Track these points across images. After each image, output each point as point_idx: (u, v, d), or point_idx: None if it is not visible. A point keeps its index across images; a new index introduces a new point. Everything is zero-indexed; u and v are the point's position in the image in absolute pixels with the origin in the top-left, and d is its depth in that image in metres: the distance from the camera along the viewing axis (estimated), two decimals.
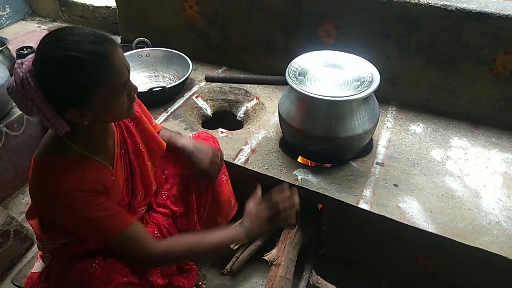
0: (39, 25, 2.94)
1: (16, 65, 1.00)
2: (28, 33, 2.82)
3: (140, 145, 1.36)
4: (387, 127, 1.90)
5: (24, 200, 2.13)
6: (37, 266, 1.51)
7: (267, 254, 1.64)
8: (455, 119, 1.92)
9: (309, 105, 1.60)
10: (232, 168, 1.69)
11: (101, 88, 1.01)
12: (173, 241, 1.29)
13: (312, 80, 1.63)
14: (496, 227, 1.44)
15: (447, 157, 1.74)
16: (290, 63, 1.68)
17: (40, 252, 1.41)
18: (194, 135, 1.64)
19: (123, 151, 1.31)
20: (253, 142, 1.83)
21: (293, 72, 1.64)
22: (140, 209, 1.46)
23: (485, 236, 1.40)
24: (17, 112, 2.08)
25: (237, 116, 2.12)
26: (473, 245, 1.37)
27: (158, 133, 1.49)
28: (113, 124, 1.26)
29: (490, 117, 1.88)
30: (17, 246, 1.81)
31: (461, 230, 1.43)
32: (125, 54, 2.16)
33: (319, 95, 1.52)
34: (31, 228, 1.88)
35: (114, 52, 1.01)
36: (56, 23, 2.96)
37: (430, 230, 1.43)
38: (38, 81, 0.98)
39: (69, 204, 1.09)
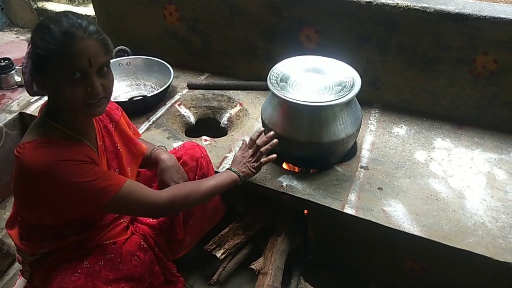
0: (17, 35, 2.88)
1: None
2: (6, 44, 2.76)
3: (119, 145, 1.37)
4: (370, 130, 1.90)
5: (5, 216, 2.07)
6: (19, 284, 1.48)
7: (254, 263, 1.63)
8: (438, 120, 1.93)
9: (291, 111, 1.59)
10: None
11: (52, 61, 1.04)
12: (175, 189, 1.33)
13: (294, 85, 1.62)
14: (481, 227, 1.44)
15: (431, 158, 1.74)
16: (272, 69, 1.66)
17: (21, 267, 1.37)
18: (180, 146, 1.62)
19: (104, 147, 1.31)
20: (237, 149, 1.81)
21: (275, 78, 1.63)
22: (122, 221, 1.43)
23: (471, 238, 1.40)
24: None
25: (221, 123, 2.10)
26: (458, 247, 1.37)
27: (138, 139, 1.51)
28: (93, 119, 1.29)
29: (472, 117, 1.89)
30: None
31: (446, 232, 1.43)
32: None
33: (301, 101, 1.51)
34: (13, 243, 1.86)
35: (82, 38, 1.05)
36: None
37: (415, 233, 1.42)
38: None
39: (58, 175, 1.07)
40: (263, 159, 1.49)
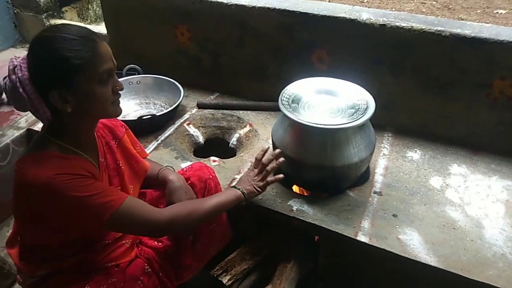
0: None
1: (12, 57, 1.07)
2: None
3: (121, 163, 1.34)
4: (383, 154, 1.85)
5: (9, 233, 2.03)
6: None
7: None
8: (453, 145, 1.88)
9: (303, 133, 1.55)
10: None
11: (83, 68, 1.03)
12: (177, 207, 1.29)
13: (305, 107, 1.59)
14: (502, 259, 1.37)
15: (447, 185, 1.68)
16: (283, 90, 1.64)
17: None
18: (188, 167, 1.58)
19: (105, 163, 1.28)
20: (246, 170, 1.76)
21: (286, 99, 1.60)
22: (124, 242, 1.39)
23: (490, 270, 1.34)
24: (3, 141, 2.02)
25: (230, 144, 2.06)
26: (478, 280, 1.31)
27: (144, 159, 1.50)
28: (95, 134, 1.26)
29: (488, 143, 1.84)
30: None
31: (464, 263, 1.36)
32: None
33: (314, 123, 1.47)
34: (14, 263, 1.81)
35: (100, 41, 1.08)
36: None
37: (432, 264, 1.36)
38: (28, 63, 1.04)
39: (56, 189, 1.04)
40: (269, 178, 1.45)
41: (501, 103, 1.73)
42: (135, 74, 2.29)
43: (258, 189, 1.43)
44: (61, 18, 2.95)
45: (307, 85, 1.67)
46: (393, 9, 5.31)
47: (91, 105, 1.10)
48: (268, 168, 1.44)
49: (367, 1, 5.66)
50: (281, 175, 1.46)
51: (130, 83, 2.24)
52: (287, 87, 1.65)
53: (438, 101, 1.85)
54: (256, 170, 1.46)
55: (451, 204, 1.59)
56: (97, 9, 3.24)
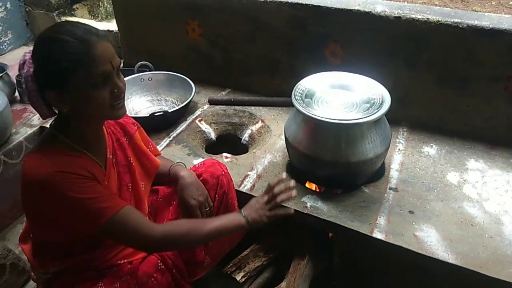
0: None
1: (26, 51, 1.10)
2: None
3: (132, 159, 1.33)
4: (399, 149, 1.82)
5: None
6: None
7: (277, 287, 1.55)
8: (470, 140, 1.84)
9: (317, 128, 1.53)
10: (238, 195, 1.60)
11: (77, 72, 1.02)
12: (173, 224, 1.28)
13: (319, 102, 1.56)
14: None
15: (464, 180, 1.65)
16: (296, 85, 1.61)
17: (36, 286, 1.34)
18: (200, 164, 1.57)
19: (114, 160, 1.28)
20: (258, 167, 1.75)
21: (299, 94, 1.58)
22: None
23: (510, 267, 1.30)
24: (16, 139, 2.03)
25: (242, 140, 2.05)
26: (498, 277, 1.27)
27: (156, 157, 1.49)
28: (104, 130, 1.25)
29: (506, 138, 1.79)
30: (13, 280, 1.73)
31: (483, 260, 1.33)
32: (127, 78, 2.13)
33: (328, 118, 1.45)
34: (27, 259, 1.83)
35: (98, 42, 1.04)
36: None
37: (450, 261, 1.33)
38: (32, 59, 1.06)
39: (55, 186, 1.03)
40: (278, 211, 1.34)
41: None
42: (146, 71, 2.29)
43: (265, 218, 1.31)
44: (72, 15, 2.96)
45: (321, 79, 1.64)
46: (406, 2, 5.24)
47: (86, 108, 1.09)
48: (278, 199, 1.32)
49: None
50: (292, 210, 1.39)
51: (142, 80, 2.23)
52: (300, 82, 1.63)
53: (455, 95, 1.81)
54: (266, 198, 1.34)
55: (469, 200, 1.56)
56: (108, 6, 3.24)
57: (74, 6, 3.00)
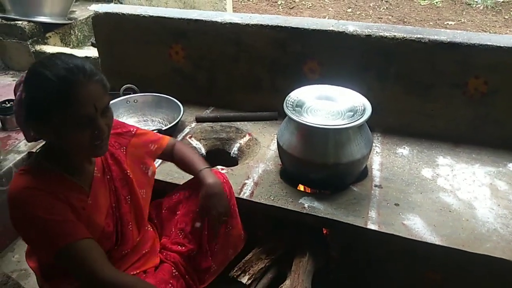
0: (13, 78, 2.90)
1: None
2: (3, 87, 2.77)
3: (128, 171, 1.35)
4: (376, 152, 2.02)
5: (14, 258, 2.02)
6: None
7: (281, 286, 1.65)
8: (436, 140, 2.08)
9: (309, 134, 1.69)
10: (238, 202, 1.71)
11: (56, 111, 1.03)
12: (129, 278, 1.21)
13: (308, 111, 1.73)
14: (495, 233, 1.55)
15: (437, 174, 1.87)
16: (287, 97, 1.77)
17: None
18: None
19: (108, 177, 1.29)
20: (254, 176, 1.88)
21: (291, 105, 1.74)
22: (145, 251, 1.44)
23: (487, 243, 1.51)
24: (5, 166, 2.02)
25: (231, 153, 2.17)
26: (478, 252, 1.47)
27: (168, 148, 1.54)
28: None
29: (467, 136, 2.05)
30: None
31: (464, 240, 1.53)
32: (113, 101, 2.21)
33: (319, 125, 1.62)
34: (26, 286, 1.81)
35: (84, 84, 1.03)
36: None
37: (437, 243, 1.51)
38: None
39: (24, 201, 1.05)
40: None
41: (476, 99, 1.96)
42: (131, 93, 2.36)
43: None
44: (45, 44, 2.98)
45: (308, 92, 1.82)
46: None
47: (67, 143, 1.10)
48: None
49: (328, 19, 6.00)
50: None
51: (128, 102, 2.30)
52: (290, 94, 1.79)
53: (421, 101, 2.05)
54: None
55: (444, 191, 1.77)
56: (79, 34, 3.29)
57: (47, 35, 3.02)
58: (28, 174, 1.11)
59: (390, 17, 6.03)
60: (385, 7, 6.33)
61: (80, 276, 1.13)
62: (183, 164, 1.57)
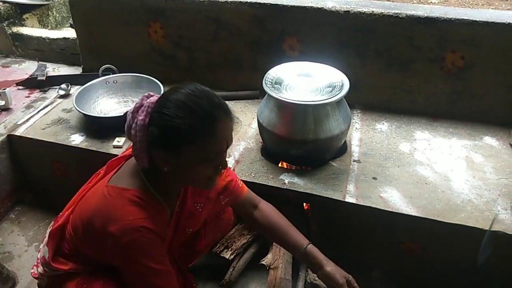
0: None
1: (144, 95, 1.10)
2: None
3: (199, 205, 1.33)
4: (356, 128, 2.05)
5: None
6: None
7: (263, 259, 1.69)
8: (415, 115, 2.11)
9: (288, 111, 1.70)
10: None
11: (193, 143, 1.03)
12: None
13: (288, 88, 1.74)
14: (469, 204, 1.59)
15: (414, 148, 1.90)
16: (266, 74, 1.77)
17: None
18: None
19: (179, 210, 1.28)
20: (235, 154, 1.89)
21: (270, 82, 1.74)
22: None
23: (461, 213, 1.55)
24: None
25: None
26: (452, 222, 1.52)
27: (247, 197, 1.48)
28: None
29: (445, 111, 2.08)
30: None
31: (439, 210, 1.57)
32: (92, 82, 2.19)
33: (298, 101, 1.63)
34: (11, 268, 1.82)
35: (223, 121, 1.06)
36: (9, 58, 2.87)
37: (413, 214, 1.55)
38: (153, 111, 1.05)
39: (131, 240, 1.05)
40: None
41: (453, 73, 1.98)
42: (110, 74, 2.34)
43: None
44: (22, 25, 2.91)
45: (287, 69, 1.82)
46: None
47: (187, 176, 1.11)
48: None
49: None
50: None
51: (107, 83, 2.28)
52: (269, 72, 1.79)
53: (400, 77, 2.07)
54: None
55: (421, 164, 1.81)
56: (57, 15, 3.22)
57: (24, 16, 2.95)
58: (139, 204, 1.09)
59: None
60: None
61: None
62: (275, 232, 1.47)
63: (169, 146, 1.05)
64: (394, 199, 1.62)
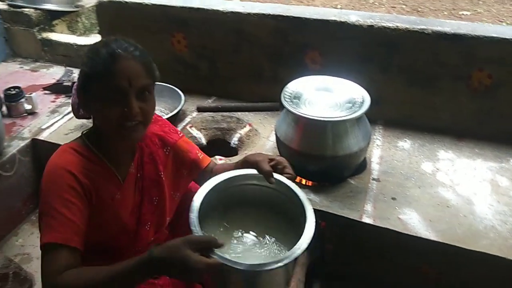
0: (21, 65, 2.93)
1: None
2: (11, 74, 2.80)
3: (162, 173, 1.32)
4: (377, 145, 2.00)
5: (18, 242, 2.07)
6: None
7: None
8: (439, 134, 2.05)
9: (306, 126, 1.68)
10: None
11: (96, 82, 1.08)
12: (74, 277, 1.04)
13: (306, 103, 1.71)
14: (492, 230, 1.53)
15: (437, 169, 1.84)
16: (284, 88, 1.75)
17: None
18: None
19: (139, 174, 1.28)
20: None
21: (288, 96, 1.72)
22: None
23: (484, 240, 1.49)
24: (9, 152, 2.06)
25: (231, 143, 2.17)
26: (474, 249, 1.45)
27: (209, 166, 1.43)
28: (137, 145, 1.27)
29: (471, 130, 2.01)
30: None
31: (460, 236, 1.51)
32: None
33: (316, 117, 1.60)
34: (29, 270, 1.85)
35: (125, 58, 1.08)
36: (38, 63, 2.96)
37: (432, 238, 1.50)
38: None
39: (48, 179, 1.09)
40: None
41: (480, 92, 1.91)
42: None
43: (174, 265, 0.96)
44: (52, 31, 3.00)
45: (306, 83, 1.80)
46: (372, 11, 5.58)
47: (97, 119, 1.14)
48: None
49: (340, 7, 5.90)
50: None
51: None
52: (287, 85, 1.77)
53: (423, 94, 2.02)
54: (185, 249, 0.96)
55: (443, 186, 1.74)
56: (86, 21, 3.30)
57: (54, 22, 3.04)
58: (72, 152, 1.13)
59: (404, 6, 5.91)
60: None
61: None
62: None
63: (84, 87, 1.12)
64: (413, 222, 1.57)
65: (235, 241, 1.26)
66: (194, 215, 1.13)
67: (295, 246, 1.07)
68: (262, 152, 1.42)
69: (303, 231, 1.11)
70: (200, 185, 1.32)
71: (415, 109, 2.07)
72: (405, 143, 2.01)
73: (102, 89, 1.08)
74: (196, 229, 1.08)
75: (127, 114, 1.08)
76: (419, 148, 1.97)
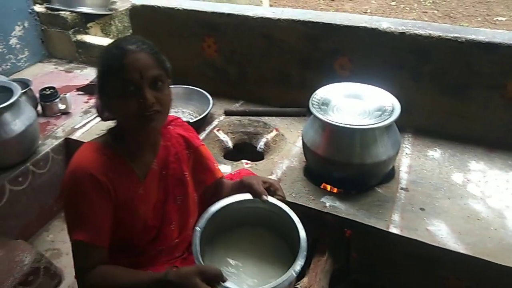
0: (55, 66, 3.03)
1: None
2: (46, 74, 2.91)
3: (187, 173, 1.35)
4: (406, 153, 1.97)
5: (49, 238, 2.14)
6: None
7: (299, 282, 1.65)
8: (471, 144, 2.00)
9: (334, 133, 1.67)
10: None
11: (109, 78, 1.12)
12: (109, 273, 1.16)
13: (335, 109, 1.70)
14: None
15: (468, 180, 1.80)
16: (313, 95, 1.75)
17: None
18: (236, 172, 1.65)
19: (164, 172, 1.30)
20: (278, 172, 1.88)
21: (316, 103, 1.72)
22: (178, 254, 1.40)
23: None
24: (43, 150, 2.13)
25: (258, 148, 2.18)
26: (505, 264, 1.41)
27: (222, 179, 1.47)
28: (162, 144, 1.29)
29: (504, 141, 1.96)
30: (46, 283, 1.81)
31: (491, 250, 1.47)
32: None
33: (344, 124, 1.59)
34: (59, 264, 1.91)
35: (133, 52, 1.11)
36: (73, 64, 3.06)
37: (461, 251, 1.46)
38: None
39: (70, 179, 1.14)
40: None
41: None
42: None
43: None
44: (86, 33, 3.09)
45: (335, 89, 1.79)
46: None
47: (118, 116, 1.17)
48: None
49: (370, 12, 5.84)
50: None
51: None
52: (316, 92, 1.77)
53: (455, 102, 1.97)
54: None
55: (473, 197, 1.70)
56: (119, 24, 3.39)
57: (88, 25, 3.13)
58: (93, 152, 1.17)
59: (435, 11, 5.80)
60: (431, 1, 6.09)
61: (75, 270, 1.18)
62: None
63: (102, 88, 1.15)
64: (442, 234, 1.54)
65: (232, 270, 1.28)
66: (196, 249, 1.17)
67: (289, 269, 1.17)
68: (258, 175, 1.45)
69: (298, 249, 1.19)
70: (206, 196, 1.43)
71: (446, 118, 2.03)
72: (435, 153, 1.97)
73: (116, 85, 1.11)
74: (199, 260, 1.15)
75: (143, 105, 1.11)
76: (450, 158, 1.93)
